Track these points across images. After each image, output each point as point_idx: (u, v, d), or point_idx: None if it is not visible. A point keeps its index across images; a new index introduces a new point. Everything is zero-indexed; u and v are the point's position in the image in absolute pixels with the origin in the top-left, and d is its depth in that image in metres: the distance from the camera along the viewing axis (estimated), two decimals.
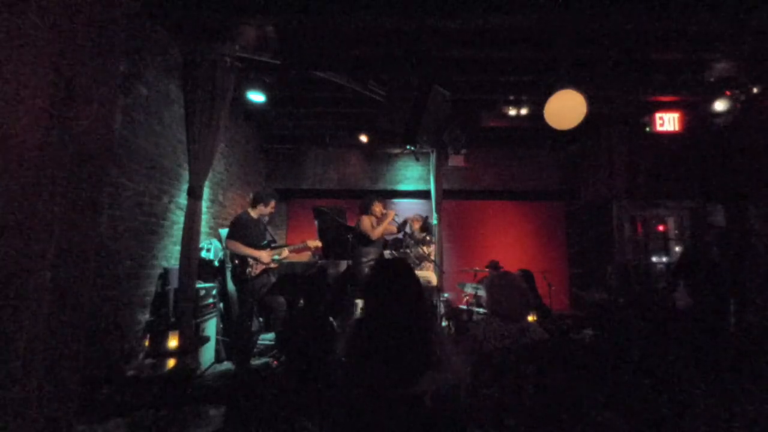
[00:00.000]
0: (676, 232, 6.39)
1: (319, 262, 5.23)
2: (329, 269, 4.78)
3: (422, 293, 1.60)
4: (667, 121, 5.14)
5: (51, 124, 1.40)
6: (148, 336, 3.38)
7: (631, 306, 4.25)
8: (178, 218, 3.87)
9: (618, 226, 6.17)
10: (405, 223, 4.67)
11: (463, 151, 5.94)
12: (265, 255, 3.66)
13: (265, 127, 6.69)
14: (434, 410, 1.40)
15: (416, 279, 1.63)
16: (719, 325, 3.72)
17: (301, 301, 3.66)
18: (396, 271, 1.62)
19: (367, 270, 4.00)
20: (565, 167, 7.32)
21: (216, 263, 4.42)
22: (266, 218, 3.96)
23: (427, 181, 6.52)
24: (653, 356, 2.27)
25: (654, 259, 6.27)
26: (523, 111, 4.96)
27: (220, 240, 4.70)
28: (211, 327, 3.84)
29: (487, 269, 5.19)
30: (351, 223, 4.52)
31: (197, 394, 3.00)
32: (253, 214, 3.80)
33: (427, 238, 5.07)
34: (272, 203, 3.88)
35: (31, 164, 1.35)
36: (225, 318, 4.28)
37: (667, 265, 6.11)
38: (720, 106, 4.64)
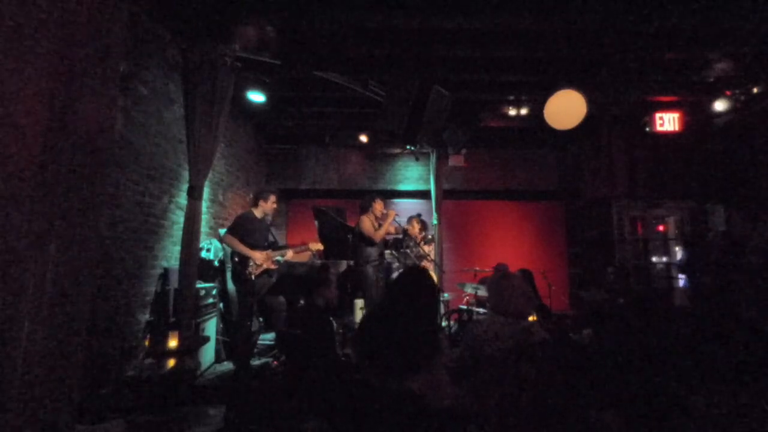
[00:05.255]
0: (676, 231, 6.39)
1: (319, 261, 5.23)
2: (331, 269, 4.78)
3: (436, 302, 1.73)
4: (667, 121, 5.14)
5: (51, 124, 1.40)
6: (148, 336, 3.38)
7: (631, 306, 4.24)
8: (178, 218, 3.87)
9: (618, 226, 6.18)
10: (405, 232, 4.64)
11: (463, 151, 5.95)
12: (259, 255, 3.60)
13: (265, 127, 6.68)
14: (434, 408, 1.40)
15: (435, 289, 1.77)
16: (721, 325, 3.72)
17: (302, 301, 3.65)
18: (421, 280, 1.73)
19: (371, 271, 3.99)
20: (565, 167, 7.32)
21: (216, 263, 4.41)
22: (269, 218, 3.94)
23: (427, 181, 6.52)
24: (653, 356, 2.27)
25: (654, 259, 6.27)
26: (523, 111, 4.96)
27: (220, 240, 4.70)
28: (211, 327, 3.84)
29: (492, 270, 5.18)
30: (351, 223, 4.51)
31: (197, 394, 3.01)
32: (257, 213, 3.76)
33: (429, 236, 5.06)
34: (272, 198, 3.82)
35: (31, 164, 1.35)
36: (225, 318, 4.27)
37: (667, 264, 6.11)
38: (720, 106, 4.64)
